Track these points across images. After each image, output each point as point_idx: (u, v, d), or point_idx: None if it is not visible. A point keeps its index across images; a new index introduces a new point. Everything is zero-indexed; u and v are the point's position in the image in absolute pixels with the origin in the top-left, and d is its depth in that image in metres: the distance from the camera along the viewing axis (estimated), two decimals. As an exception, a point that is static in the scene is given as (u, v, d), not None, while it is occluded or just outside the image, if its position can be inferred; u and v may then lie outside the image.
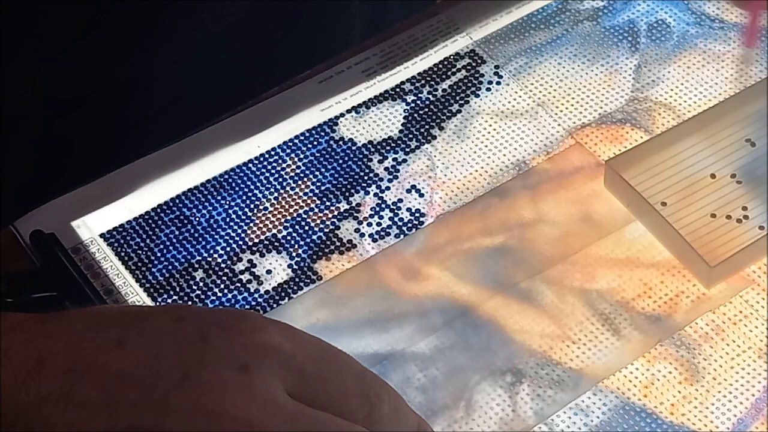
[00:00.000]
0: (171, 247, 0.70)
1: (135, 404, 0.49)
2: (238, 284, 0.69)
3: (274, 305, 0.68)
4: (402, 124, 0.75)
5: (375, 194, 0.72)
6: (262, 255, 0.70)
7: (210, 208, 0.72)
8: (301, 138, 0.75)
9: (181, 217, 0.71)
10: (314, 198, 0.72)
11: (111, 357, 0.50)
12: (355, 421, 0.52)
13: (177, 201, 0.72)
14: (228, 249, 0.70)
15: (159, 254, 0.70)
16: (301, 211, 0.72)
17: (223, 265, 0.69)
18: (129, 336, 0.51)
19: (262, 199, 0.72)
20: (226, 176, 0.73)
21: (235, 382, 0.49)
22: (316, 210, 0.72)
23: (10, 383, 0.50)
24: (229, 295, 0.68)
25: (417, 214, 0.71)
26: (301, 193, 0.72)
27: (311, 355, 0.52)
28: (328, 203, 0.72)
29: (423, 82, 0.77)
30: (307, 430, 0.50)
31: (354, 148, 0.74)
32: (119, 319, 0.52)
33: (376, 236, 0.71)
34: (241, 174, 0.73)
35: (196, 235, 0.71)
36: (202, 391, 0.49)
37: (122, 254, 0.70)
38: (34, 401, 0.50)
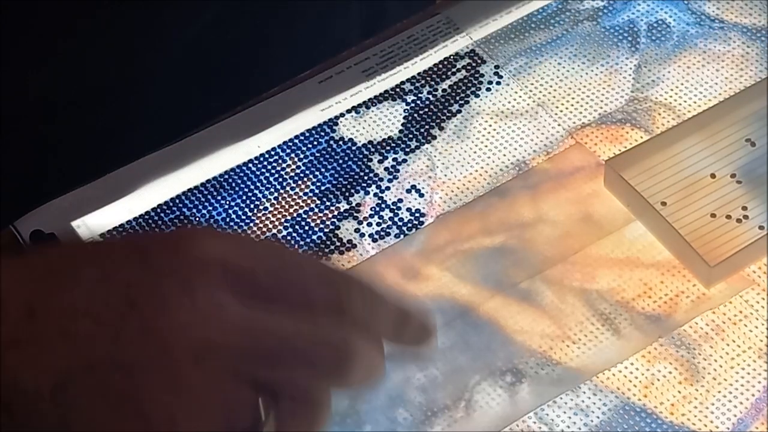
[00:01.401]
0: (171, 247, 0.70)
1: (90, 337, 0.48)
2: (238, 284, 0.69)
3: (274, 305, 0.68)
4: (402, 124, 0.75)
5: (375, 194, 0.72)
6: (262, 255, 0.70)
7: (210, 208, 0.72)
8: (301, 138, 0.75)
9: (181, 217, 0.71)
10: (314, 198, 0.72)
11: (66, 293, 0.49)
12: (322, 317, 0.50)
13: (177, 201, 0.72)
14: (228, 249, 0.70)
15: (159, 254, 0.70)
16: (301, 211, 0.72)
17: (223, 265, 0.69)
18: (82, 268, 0.50)
19: (262, 199, 0.72)
20: (226, 176, 0.73)
21: (181, 302, 0.48)
22: (316, 210, 0.72)
23: None
24: (229, 295, 0.68)
25: (417, 214, 0.71)
26: (301, 193, 0.72)
27: (263, 259, 0.50)
28: (328, 203, 0.72)
29: (423, 82, 0.77)
30: (265, 338, 0.49)
31: (354, 148, 0.74)
32: (76, 252, 0.51)
33: (376, 236, 0.71)
34: (241, 174, 0.73)
35: (196, 235, 0.70)
36: (151, 316, 0.48)
37: (122, 254, 0.69)
38: None
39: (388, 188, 0.72)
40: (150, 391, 0.48)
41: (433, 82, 0.77)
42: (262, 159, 0.74)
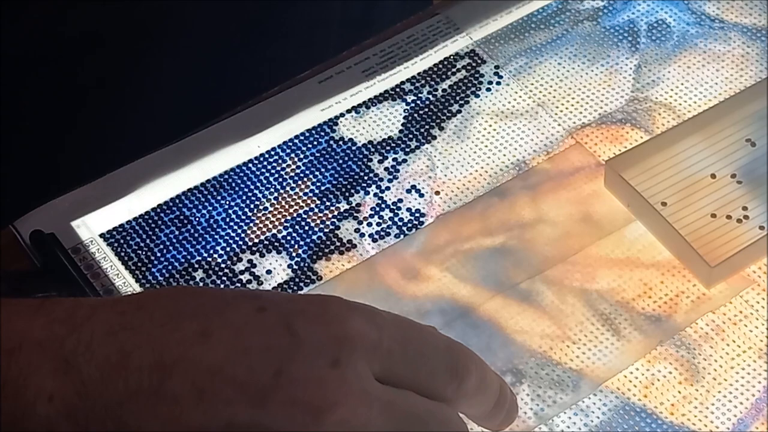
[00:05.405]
0: (171, 247, 0.70)
1: (230, 401, 0.48)
2: (238, 284, 0.69)
3: (274, 305, 0.68)
4: (402, 124, 0.75)
5: (375, 194, 0.72)
6: (262, 255, 0.70)
7: (210, 208, 0.72)
8: (301, 138, 0.75)
9: (181, 217, 0.71)
10: (314, 198, 0.72)
11: (198, 351, 0.49)
12: (444, 397, 0.52)
13: (177, 201, 0.72)
14: (228, 249, 0.70)
15: (159, 254, 0.70)
16: (301, 211, 0.72)
17: (223, 265, 0.69)
18: (212, 327, 0.50)
19: (262, 199, 0.72)
20: (226, 176, 0.73)
21: (330, 377, 0.49)
22: (316, 210, 0.72)
23: (96, 377, 0.49)
24: (229, 295, 0.68)
25: (417, 214, 0.71)
26: (301, 193, 0.72)
27: (396, 337, 0.52)
28: (328, 203, 0.72)
29: (423, 82, 0.77)
30: (402, 417, 0.50)
31: (354, 148, 0.74)
32: (198, 308, 0.51)
33: (376, 236, 0.71)
34: (241, 174, 0.73)
35: (196, 235, 0.71)
36: (299, 387, 0.49)
37: (122, 254, 0.70)
38: (123, 396, 0.49)
39: (388, 188, 0.72)
40: None
41: (433, 82, 0.77)
42: (262, 159, 0.74)
